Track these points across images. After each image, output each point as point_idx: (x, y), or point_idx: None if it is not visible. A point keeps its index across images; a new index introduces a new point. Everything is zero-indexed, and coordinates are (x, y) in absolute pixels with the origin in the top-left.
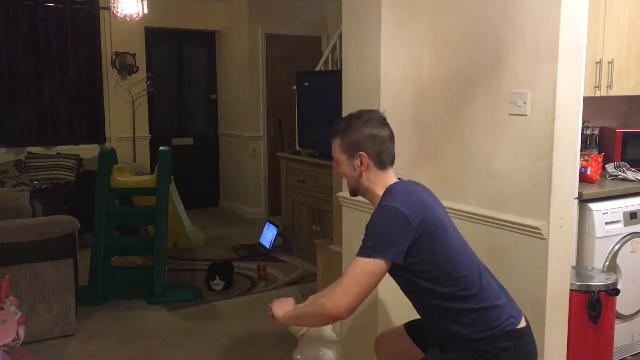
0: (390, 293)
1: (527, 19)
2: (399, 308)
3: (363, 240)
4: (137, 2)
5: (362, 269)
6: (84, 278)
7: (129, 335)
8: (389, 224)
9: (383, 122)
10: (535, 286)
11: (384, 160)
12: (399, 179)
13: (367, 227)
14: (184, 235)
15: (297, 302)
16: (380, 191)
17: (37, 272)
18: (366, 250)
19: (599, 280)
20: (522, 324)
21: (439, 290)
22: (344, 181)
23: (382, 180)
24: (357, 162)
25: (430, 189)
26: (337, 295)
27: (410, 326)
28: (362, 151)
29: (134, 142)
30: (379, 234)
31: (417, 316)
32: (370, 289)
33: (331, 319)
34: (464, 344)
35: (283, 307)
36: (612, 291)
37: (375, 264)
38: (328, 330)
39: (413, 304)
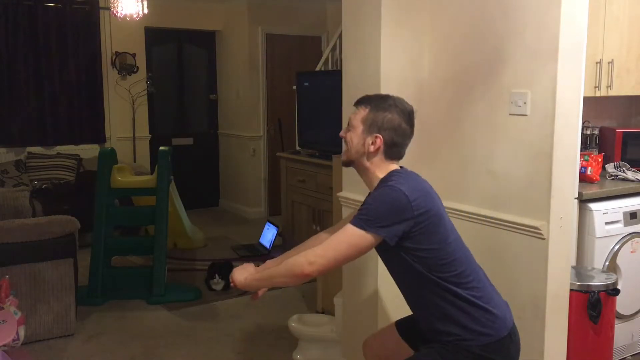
0: (391, 293)
1: (527, 18)
2: (399, 308)
3: (360, 210)
4: (137, 2)
5: (349, 238)
6: (84, 278)
7: (129, 335)
8: (392, 204)
9: (411, 119)
10: (535, 286)
11: (394, 153)
12: (400, 167)
13: (367, 200)
14: (184, 235)
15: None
16: (380, 174)
17: (37, 272)
18: (360, 222)
19: (599, 280)
20: (507, 329)
21: (436, 275)
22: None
23: (385, 167)
24: (370, 140)
25: None
26: (315, 254)
27: (401, 323)
28: (381, 135)
29: (134, 142)
30: (378, 209)
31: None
32: (349, 260)
33: (302, 276)
34: (450, 342)
35: (244, 272)
36: (612, 291)
37: (363, 238)
38: (328, 330)
39: (403, 292)
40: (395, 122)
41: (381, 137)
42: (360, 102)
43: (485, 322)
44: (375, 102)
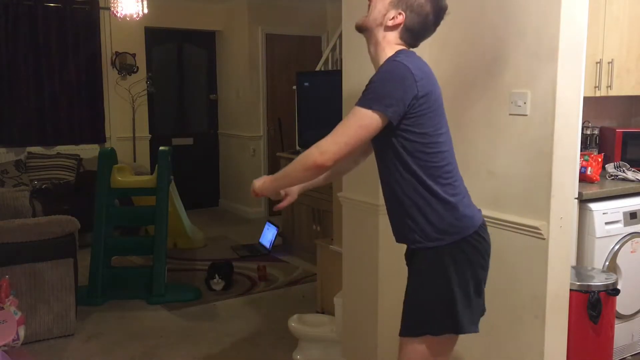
0: (391, 294)
1: (527, 19)
2: (399, 308)
3: (365, 90)
4: (137, 2)
5: (358, 119)
6: (84, 278)
7: (129, 335)
8: (397, 81)
9: (439, 16)
10: (535, 286)
11: (409, 38)
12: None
13: (373, 78)
14: (184, 235)
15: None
16: (389, 52)
17: (37, 272)
18: (367, 101)
19: (599, 280)
20: (474, 228)
21: (416, 164)
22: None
23: (396, 46)
24: (392, 14)
25: None
26: (326, 143)
27: None
28: (405, 13)
29: (134, 142)
30: (384, 87)
31: None
32: (360, 142)
33: (315, 167)
34: (417, 241)
35: (261, 179)
36: (612, 291)
37: (372, 117)
38: (328, 330)
39: (382, 182)
40: (424, 10)
41: (404, 16)
42: None
43: (453, 221)
44: None
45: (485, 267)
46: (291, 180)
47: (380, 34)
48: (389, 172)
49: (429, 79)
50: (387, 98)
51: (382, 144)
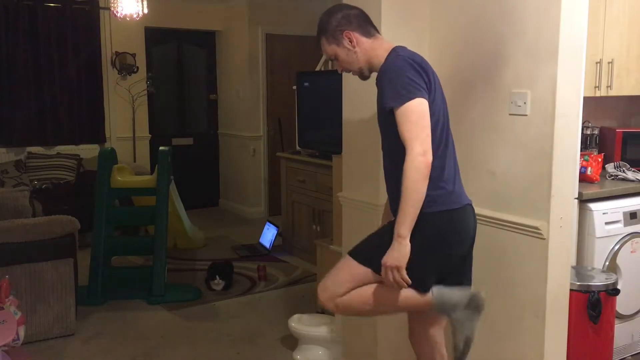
0: None
1: (527, 19)
2: None
3: (387, 94)
4: (137, 2)
5: (416, 112)
6: (84, 278)
7: (129, 335)
8: (409, 70)
9: (349, 5)
10: (535, 286)
11: (367, 28)
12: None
13: (383, 80)
14: (184, 235)
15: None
16: (383, 54)
17: (37, 272)
18: (402, 98)
19: (599, 280)
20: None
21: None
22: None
23: (379, 45)
24: (346, 42)
25: None
26: (416, 145)
27: None
28: (345, 30)
29: (134, 142)
30: (402, 80)
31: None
32: (430, 127)
33: (428, 167)
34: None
35: (391, 251)
36: (612, 291)
37: (421, 103)
38: (328, 330)
39: (385, 153)
40: (339, 16)
41: (346, 30)
42: (317, 43)
43: (441, 192)
44: (320, 30)
45: (457, 243)
46: (418, 201)
47: (363, 55)
48: (392, 142)
49: (422, 60)
50: (410, 85)
51: (389, 119)
